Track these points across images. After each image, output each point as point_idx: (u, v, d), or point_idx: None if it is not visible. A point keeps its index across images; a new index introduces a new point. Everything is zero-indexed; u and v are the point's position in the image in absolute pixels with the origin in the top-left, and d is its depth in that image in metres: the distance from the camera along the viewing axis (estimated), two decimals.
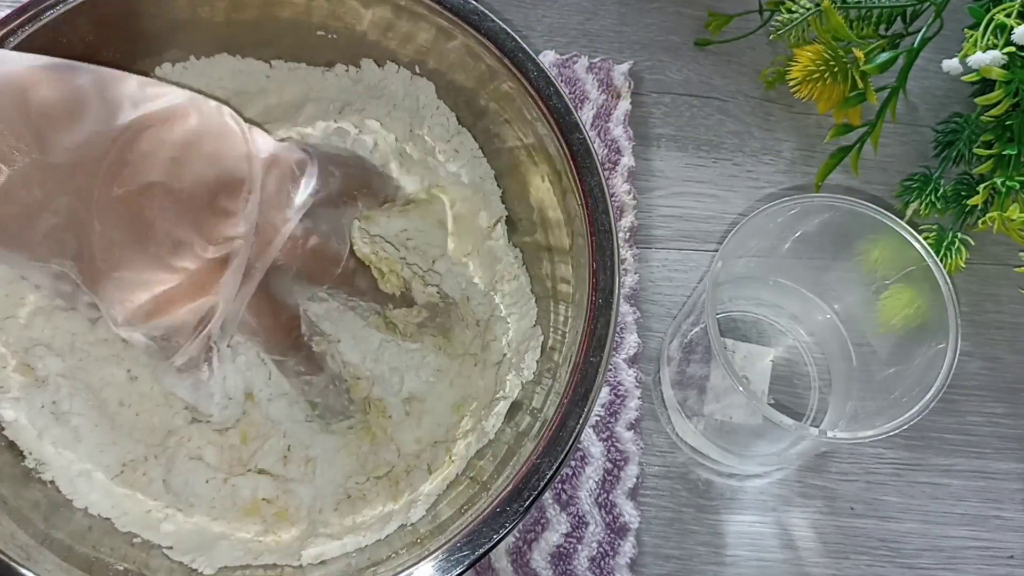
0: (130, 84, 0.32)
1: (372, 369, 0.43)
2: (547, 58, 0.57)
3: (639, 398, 0.49)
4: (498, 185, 0.46)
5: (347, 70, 0.46)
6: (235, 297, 0.34)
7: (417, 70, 0.46)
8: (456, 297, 0.45)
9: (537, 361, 0.43)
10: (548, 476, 0.34)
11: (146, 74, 0.44)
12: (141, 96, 0.32)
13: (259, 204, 0.34)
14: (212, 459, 0.41)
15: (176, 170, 0.32)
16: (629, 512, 0.47)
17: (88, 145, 0.30)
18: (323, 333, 0.41)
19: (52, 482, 0.39)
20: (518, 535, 0.46)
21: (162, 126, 0.32)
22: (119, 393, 0.41)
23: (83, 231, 0.31)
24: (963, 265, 0.51)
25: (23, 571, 0.33)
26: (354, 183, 0.40)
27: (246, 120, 0.36)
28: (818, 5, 0.52)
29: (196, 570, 0.39)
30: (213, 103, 0.35)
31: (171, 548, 0.39)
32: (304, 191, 0.36)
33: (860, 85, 0.50)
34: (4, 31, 0.38)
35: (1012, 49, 0.47)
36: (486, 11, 0.41)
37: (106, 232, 0.31)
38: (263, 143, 0.35)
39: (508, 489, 0.34)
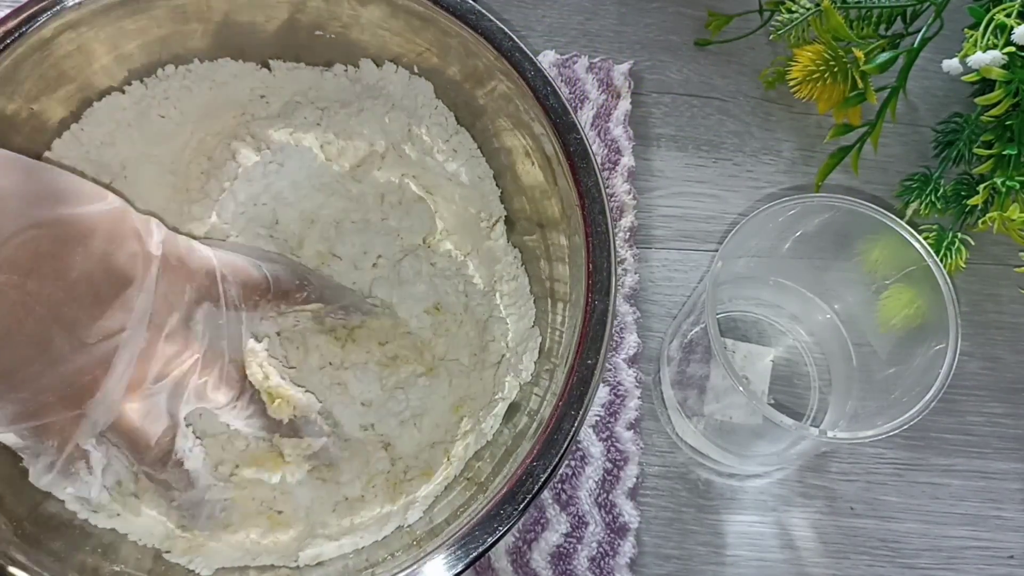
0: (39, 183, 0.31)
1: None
2: (547, 58, 0.57)
3: (639, 398, 0.49)
4: (496, 185, 0.46)
5: (346, 70, 0.46)
6: (112, 405, 0.33)
7: (415, 70, 0.46)
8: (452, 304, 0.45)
9: (535, 362, 0.43)
10: (543, 478, 0.34)
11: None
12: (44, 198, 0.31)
13: (150, 307, 0.32)
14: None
15: (54, 267, 0.30)
16: (629, 512, 0.47)
17: None
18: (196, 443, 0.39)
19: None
20: (518, 535, 0.46)
21: (53, 229, 0.30)
22: None
23: None
24: (963, 265, 0.51)
25: (17, 572, 0.33)
26: (282, 287, 0.39)
27: (169, 226, 0.35)
28: (818, 5, 0.52)
29: (193, 571, 0.39)
30: (115, 205, 0.33)
31: (168, 552, 0.39)
32: (201, 296, 0.34)
33: (860, 85, 0.50)
34: (4, 31, 0.38)
35: (1012, 49, 0.47)
36: (483, 11, 0.41)
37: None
38: (167, 245, 0.34)
39: (504, 491, 0.34)
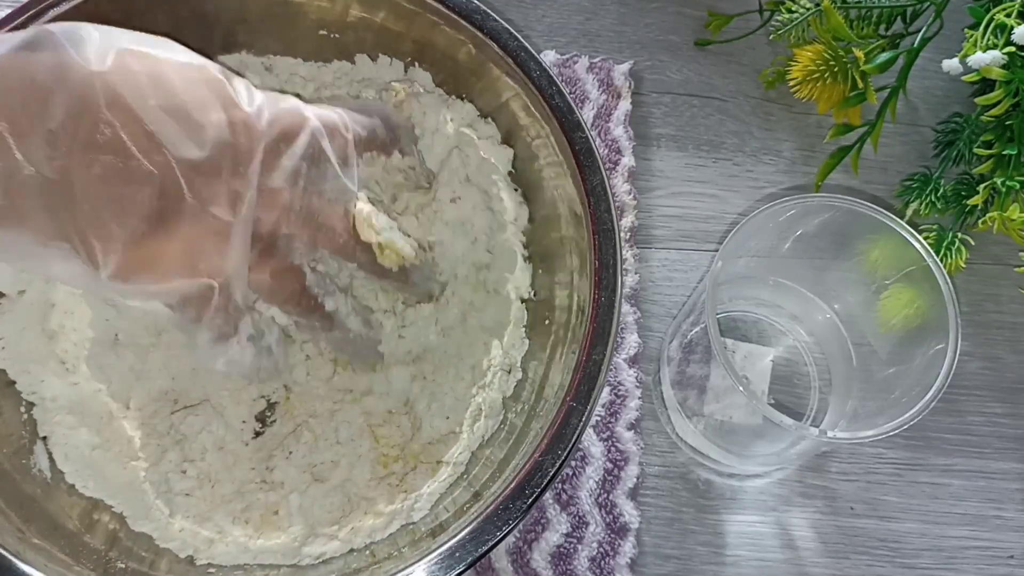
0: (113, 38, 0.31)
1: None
2: (547, 58, 0.57)
3: (639, 398, 0.49)
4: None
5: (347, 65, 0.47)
6: (240, 270, 0.34)
7: (419, 67, 0.46)
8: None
9: (539, 360, 0.43)
10: (550, 475, 0.34)
11: None
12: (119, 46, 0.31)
13: (259, 171, 0.33)
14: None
15: (162, 128, 0.31)
16: (629, 512, 0.47)
17: (69, 116, 0.29)
18: (333, 291, 0.41)
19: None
20: (518, 535, 0.46)
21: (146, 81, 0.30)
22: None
23: (73, 195, 0.30)
24: (963, 265, 0.51)
25: (23, 567, 0.33)
26: (376, 140, 0.40)
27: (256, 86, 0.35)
28: (818, 5, 0.52)
29: (196, 562, 0.39)
30: (199, 61, 0.33)
31: (170, 550, 0.39)
32: (303, 156, 0.35)
33: (860, 85, 0.50)
34: (4, 31, 0.38)
35: (1012, 49, 0.47)
36: (488, 11, 0.41)
37: (92, 190, 0.30)
38: (266, 107, 0.34)
39: (510, 488, 0.34)
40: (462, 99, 0.46)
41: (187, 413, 0.42)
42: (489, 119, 0.46)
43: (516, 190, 0.46)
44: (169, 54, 0.32)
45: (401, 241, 0.40)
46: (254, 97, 0.34)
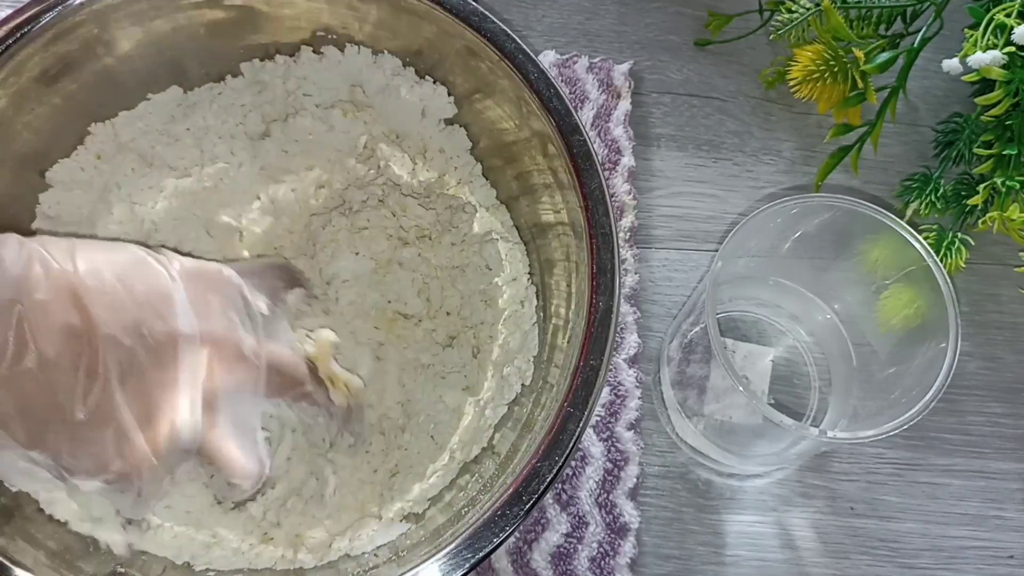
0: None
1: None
2: (547, 58, 0.57)
3: (639, 398, 0.49)
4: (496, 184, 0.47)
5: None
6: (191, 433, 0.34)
7: (427, 78, 0.46)
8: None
9: (539, 362, 0.43)
10: (549, 478, 0.34)
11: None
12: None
13: (194, 316, 0.34)
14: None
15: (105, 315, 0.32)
16: (629, 512, 0.47)
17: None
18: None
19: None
20: (519, 535, 0.46)
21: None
22: None
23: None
24: (963, 265, 0.51)
25: (20, 572, 0.33)
26: (282, 282, 0.41)
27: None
28: (818, 5, 0.52)
29: (193, 568, 0.39)
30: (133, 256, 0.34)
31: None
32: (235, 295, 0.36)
33: (860, 85, 0.50)
34: (4, 31, 0.38)
35: (1012, 49, 0.47)
36: (486, 12, 0.41)
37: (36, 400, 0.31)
38: (180, 262, 0.35)
39: (509, 491, 0.34)
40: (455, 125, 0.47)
41: None
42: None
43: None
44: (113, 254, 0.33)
45: (346, 374, 0.40)
46: (171, 259, 0.35)
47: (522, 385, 0.43)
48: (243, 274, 0.38)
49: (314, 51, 0.46)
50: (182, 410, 0.33)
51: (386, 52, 0.45)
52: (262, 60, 0.46)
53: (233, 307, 0.36)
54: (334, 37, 0.45)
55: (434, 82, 0.46)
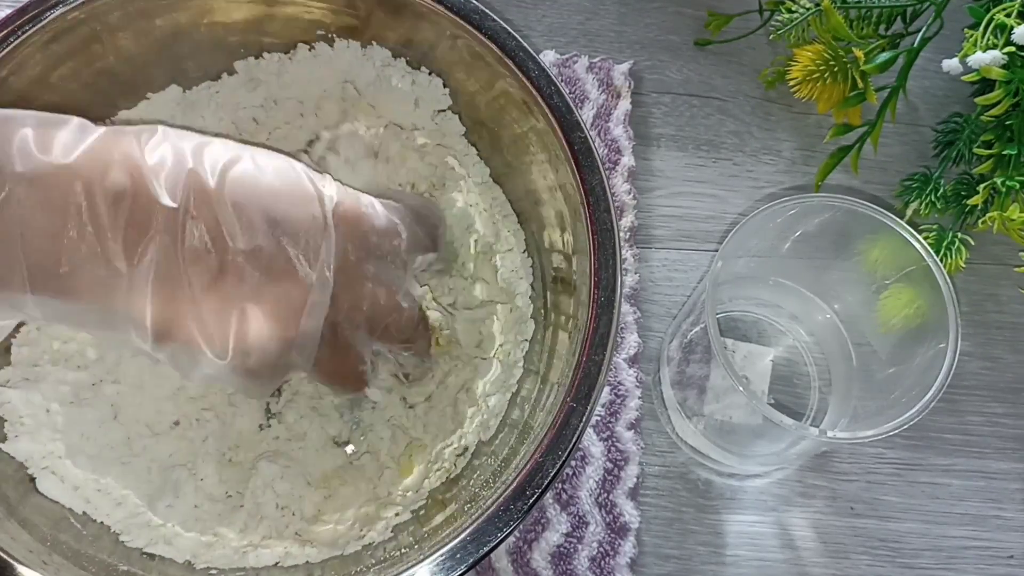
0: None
1: None
2: (547, 58, 0.57)
3: (639, 398, 0.49)
4: (498, 183, 0.46)
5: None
6: (311, 340, 0.35)
7: (422, 68, 0.46)
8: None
9: (539, 360, 0.43)
10: (551, 475, 0.34)
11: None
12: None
13: (335, 252, 0.34)
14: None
15: (249, 218, 0.32)
16: (629, 512, 0.47)
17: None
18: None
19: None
20: (518, 535, 0.46)
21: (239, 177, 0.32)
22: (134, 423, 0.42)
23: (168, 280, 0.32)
24: (963, 265, 0.51)
25: (25, 571, 0.33)
26: (425, 239, 0.41)
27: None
28: (818, 5, 0.52)
29: (194, 566, 0.39)
30: (285, 163, 0.35)
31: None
32: (383, 244, 0.37)
33: (860, 85, 0.50)
34: (4, 31, 0.38)
35: (1012, 49, 0.47)
36: (487, 11, 0.41)
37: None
38: (338, 193, 0.35)
39: (511, 488, 0.34)
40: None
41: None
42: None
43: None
44: (265, 160, 0.34)
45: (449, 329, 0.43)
46: (331, 193, 0.35)
47: (521, 375, 0.43)
48: (401, 217, 0.38)
49: (309, 48, 0.46)
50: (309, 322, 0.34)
51: (375, 44, 0.45)
52: (256, 58, 0.46)
53: (379, 261, 0.36)
54: (331, 35, 0.45)
55: (429, 74, 0.46)
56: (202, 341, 0.32)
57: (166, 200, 0.31)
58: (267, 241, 0.32)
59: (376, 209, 0.37)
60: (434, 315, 0.44)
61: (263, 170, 0.33)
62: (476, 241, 0.46)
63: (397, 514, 0.41)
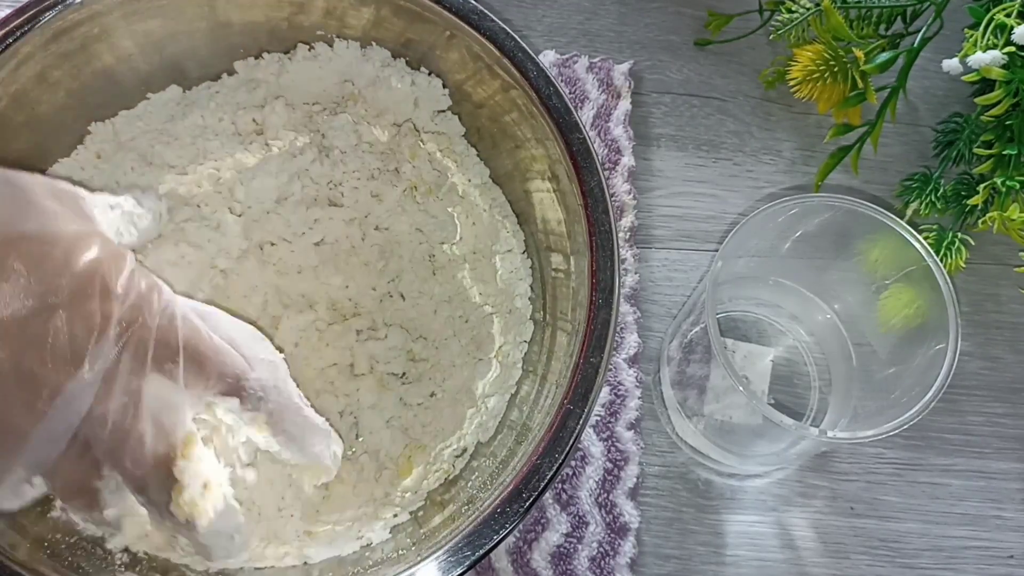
0: None
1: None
2: (547, 58, 0.57)
3: (639, 398, 0.49)
4: (498, 184, 0.46)
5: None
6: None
7: (422, 69, 0.46)
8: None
9: (537, 361, 0.43)
10: (548, 476, 0.34)
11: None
12: None
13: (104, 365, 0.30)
14: None
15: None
16: (629, 512, 0.47)
17: None
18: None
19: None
20: (518, 535, 0.46)
21: None
22: None
23: None
24: (963, 265, 0.51)
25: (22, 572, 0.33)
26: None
27: None
28: (818, 5, 0.52)
29: (191, 568, 0.39)
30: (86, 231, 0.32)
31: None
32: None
33: (860, 85, 0.50)
34: (4, 31, 0.38)
35: (1012, 49, 0.47)
36: (486, 11, 0.41)
37: None
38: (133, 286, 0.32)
39: (509, 489, 0.34)
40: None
41: None
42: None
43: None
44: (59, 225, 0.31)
45: (215, 502, 0.33)
46: (125, 273, 0.31)
47: (520, 375, 0.43)
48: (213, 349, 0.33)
49: (309, 48, 0.46)
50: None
51: (374, 44, 0.45)
52: (256, 58, 0.46)
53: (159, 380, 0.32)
54: (330, 35, 0.45)
55: (429, 74, 0.46)
56: None
57: None
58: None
59: (176, 311, 0.33)
60: (212, 468, 0.33)
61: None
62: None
63: (395, 515, 0.41)
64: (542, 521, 0.47)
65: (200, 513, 0.32)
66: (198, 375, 0.33)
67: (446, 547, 0.33)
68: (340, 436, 0.39)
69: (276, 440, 0.36)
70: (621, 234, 0.53)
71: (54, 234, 0.31)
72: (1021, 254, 0.51)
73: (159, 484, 0.32)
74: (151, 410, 0.31)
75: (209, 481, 0.32)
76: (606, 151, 0.55)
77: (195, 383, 0.33)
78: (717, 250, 0.45)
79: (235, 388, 0.34)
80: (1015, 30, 0.47)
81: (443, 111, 0.47)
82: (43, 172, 0.42)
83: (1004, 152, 0.49)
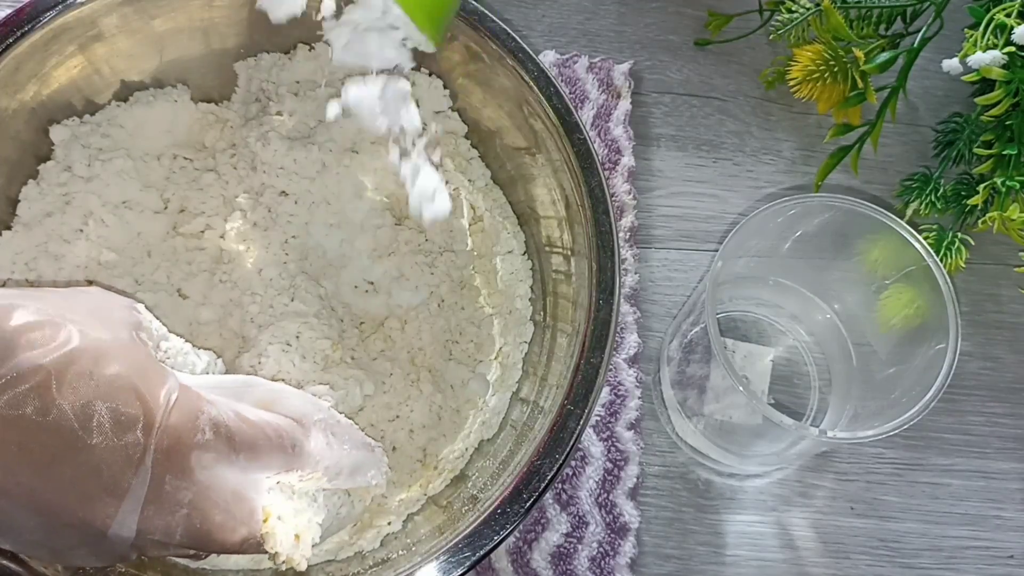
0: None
1: None
2: (547, 58, 0.57)
3: (639, 398, 0.49)
4: (499, 185, 0.46)
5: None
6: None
7: (422, 69, 0.46)
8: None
9: (538, 362, 0.43)
10: (549, 477, 0.34)
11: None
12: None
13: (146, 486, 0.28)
14: None
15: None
16: (629, 512, 0.47)
17: None
18: None
19: None
20: (518, 535, 0.46)
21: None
22: None
23: None
24: (963, 265, 0.51)
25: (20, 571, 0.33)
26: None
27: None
28: (818, 5, 0.52)
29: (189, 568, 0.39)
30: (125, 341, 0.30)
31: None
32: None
33: (860, 85, 0.50)
34: (4, 31, 0.38)
35: (1012, 49, 0.47)
36: (486, 11, 0.41)
37: None
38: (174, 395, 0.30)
39: (509, 490, 0.34)
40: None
41: None
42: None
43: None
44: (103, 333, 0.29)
45: (310, 542, 0.33)
46: (168, 386, 0.30)
47: (520, 376, 0.43)
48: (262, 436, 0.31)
49: (309, 48, 0.46)
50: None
51: None
52: (256, 58, 0.46)
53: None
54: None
55: (429, 74, 0.46)
56: None
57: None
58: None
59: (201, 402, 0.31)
60: (296, 520, 0.33)
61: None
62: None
63: (389, 523, 0.40)
64: (542, 521, 0.47)
65: (299, 561, 0.32)
66: (255, 461, 0.31)
67: (447, 548, 0.33)
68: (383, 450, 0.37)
69: (335, 482, 0.35)
70: (621, 234, 0.53)
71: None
72: (1021, 254, 0.51)
73: (252, 553, 0.32)
74: (220, 504, 0.30)
75: (299, 532, 0.32)
76: (606, 151, 0.55)
77: (255, 469, 0.32)
78: (717, 250, 0.45)
79: (292, 463, 0.32)
80: (1015, 30, 0.47)
81: (443, 111, 0.47)
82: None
83: (1004, 152, 0.49)
